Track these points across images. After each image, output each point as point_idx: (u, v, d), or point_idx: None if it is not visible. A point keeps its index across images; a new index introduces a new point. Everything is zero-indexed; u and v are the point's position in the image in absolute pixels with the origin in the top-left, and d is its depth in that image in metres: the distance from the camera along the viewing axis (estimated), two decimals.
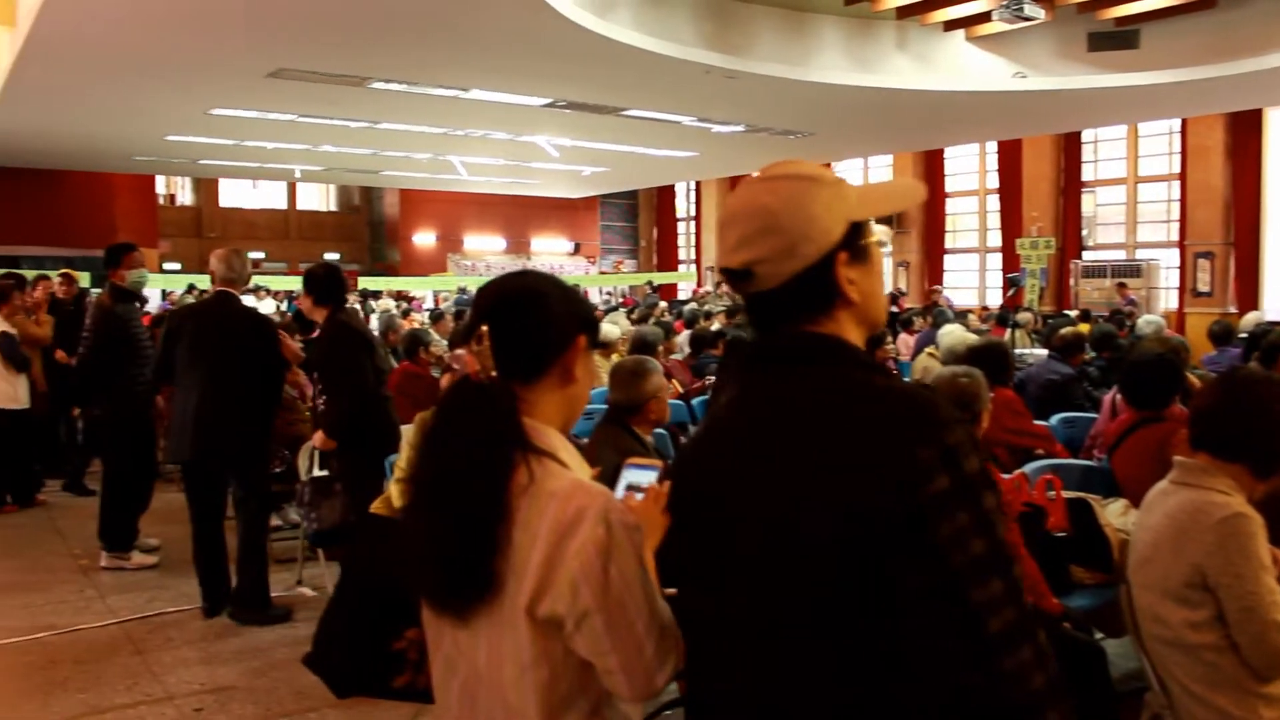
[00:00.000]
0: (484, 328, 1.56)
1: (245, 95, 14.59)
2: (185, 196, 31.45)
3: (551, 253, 31.51)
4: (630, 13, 11.37)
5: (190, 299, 15.89)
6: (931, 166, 23.23)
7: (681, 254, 32.13)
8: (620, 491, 1.87)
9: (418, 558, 1.54)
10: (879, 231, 1.46)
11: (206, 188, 30.98)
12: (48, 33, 11.03)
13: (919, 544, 1.21)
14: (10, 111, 15.84)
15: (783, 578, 1.30)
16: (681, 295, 26.45)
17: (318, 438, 5.38)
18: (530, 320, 1.59)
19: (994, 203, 22.36)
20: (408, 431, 5.45)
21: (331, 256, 30.83)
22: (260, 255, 30.25)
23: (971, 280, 23.40)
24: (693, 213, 31.50)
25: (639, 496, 1.77)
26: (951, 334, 7.86)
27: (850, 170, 24.70)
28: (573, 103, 14.89)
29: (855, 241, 1.41)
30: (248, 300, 15.98)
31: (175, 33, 11.20)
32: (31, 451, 8.42)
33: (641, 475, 1.84)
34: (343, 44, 11.49)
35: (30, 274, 10.01)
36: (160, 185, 29.07)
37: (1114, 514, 4.09)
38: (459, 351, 6.16)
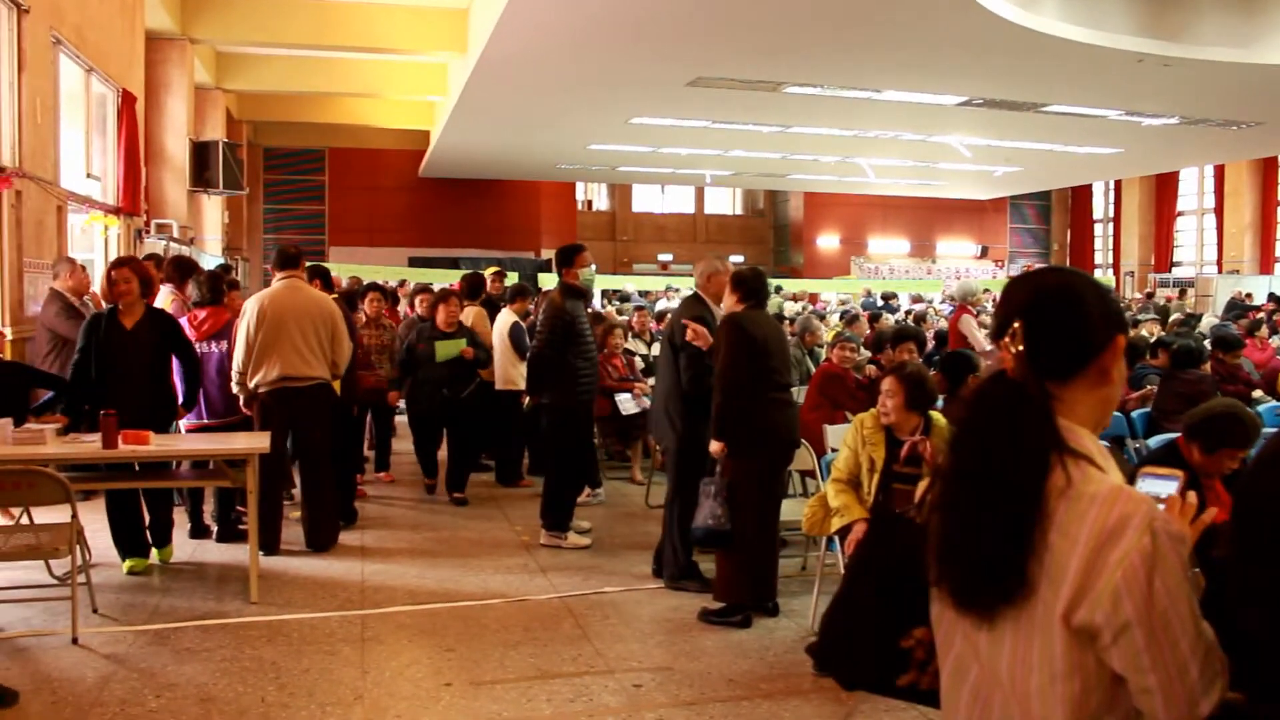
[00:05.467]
0: (1017, 324, 1.52)
1: (664, 104, 15.31)
2: (600, 202, 33.41)
3: (957, 256, 30.68)
4: (1057, 2, 10.84)
5: None
6: None
7: (1098, 258, 30.27)
8: None
9: (944, 556, 1.52)
10: None
11: (620, 193, 32.78)
12: (494, 57, 12.13)
13: None
14: (458, 128, 17.60)
15: None
16: None
17: (713, 444, 5.41)
18: (1069, 318, 1.53)
19: None
20: (839, 432, 5.46)
21: (736, 259, 31.71)
22: (669, 257, 31.69)
23: None
24: (1110, 213, 29.58)
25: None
26: None
27: None
28: (989, 100, 14.43)
29: None
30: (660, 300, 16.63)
31: (605, 49, 11.96)
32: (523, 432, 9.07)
33: (1160, 485, 1.72)
34: (760, 50, 11.76)
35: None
36: (579, 192, 31.12)
37: None
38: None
